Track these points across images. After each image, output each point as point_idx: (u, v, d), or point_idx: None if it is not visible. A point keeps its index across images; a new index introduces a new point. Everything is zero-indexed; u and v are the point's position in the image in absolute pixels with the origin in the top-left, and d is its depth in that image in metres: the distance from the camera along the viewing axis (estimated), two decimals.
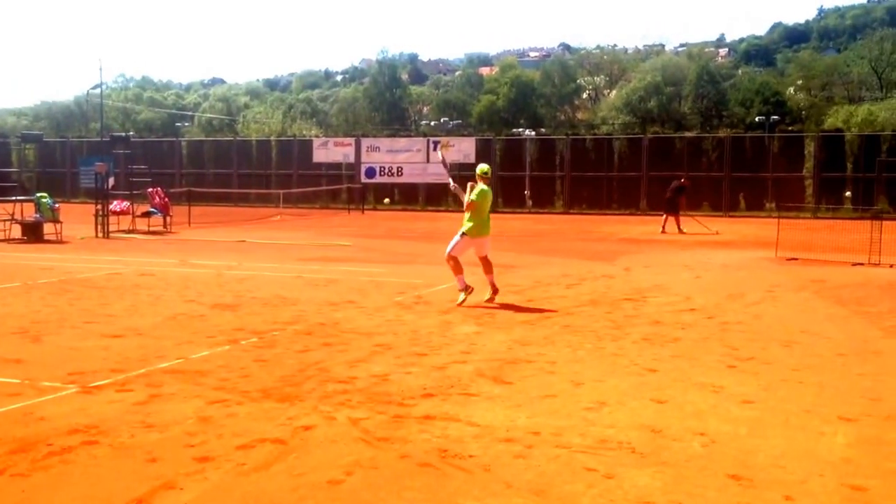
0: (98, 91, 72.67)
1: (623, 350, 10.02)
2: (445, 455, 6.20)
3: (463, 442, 6.49)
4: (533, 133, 53.75)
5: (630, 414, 7.35)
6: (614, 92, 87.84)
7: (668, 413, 7.42)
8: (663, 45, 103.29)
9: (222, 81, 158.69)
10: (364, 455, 6.20)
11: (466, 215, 13.66)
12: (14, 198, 27.57)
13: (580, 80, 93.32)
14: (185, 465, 5.97)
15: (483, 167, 14.04)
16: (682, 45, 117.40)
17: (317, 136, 57.55)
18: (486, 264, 13.66)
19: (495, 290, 13.47)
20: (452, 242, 13.66)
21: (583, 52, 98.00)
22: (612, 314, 12.55)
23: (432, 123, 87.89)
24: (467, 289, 13.18)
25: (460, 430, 6.78)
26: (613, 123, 68.71)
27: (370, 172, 48.15)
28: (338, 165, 49.53)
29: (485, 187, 13.61)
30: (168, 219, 29.67)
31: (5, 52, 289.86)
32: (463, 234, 13.58)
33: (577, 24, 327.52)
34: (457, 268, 13.33)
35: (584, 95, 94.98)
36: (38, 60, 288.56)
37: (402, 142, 49.84)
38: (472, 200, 13.49)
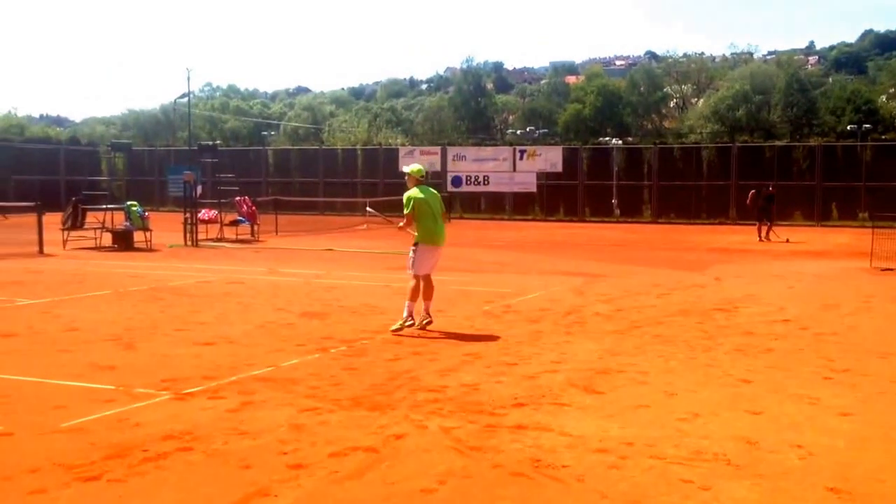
0: (185, 100, 74.00)
1: (716, 361, 9.81)
2: (538, 465, 6.11)
3: (556, 452, 6.39)
4: (620, 142, 53.17)
5: (725, 425, 7.18)
6: (702, 100, 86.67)
7: (764, 425, 7.23)
8: (752, 53, 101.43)
9: (307, 90, 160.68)
10: (456, 464, 6.13)
11: (417, 226, 11.84)
12: (104, 206, 28.13)
13: (667, 89, 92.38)
14: (279, 473, 5.96)
15: (413, 167, 12.37)
16: (770, 53, 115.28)
17: (402, 145, 57.75)
18: (428, 284, 11.76)
19: (428, 319, 11.58)
20: (410, 260, 11.87)
21: (669, 60, 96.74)
22: (704, 324, 12.30)
23: (518, 132, 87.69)
24: (410, 320, 11.41)
25: (553, 440, 6.68)
26: (701, 132, 67.73)
27: (457, 181, 48.13)
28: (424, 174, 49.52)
29: (416, 191, 11.88)
30: (255, 227, 29.98)
31: (95, 61, 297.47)
32: (415, 244, 11.79)
33: (664, 33, 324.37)
34: (414, 291, 11.59)
35: (671, 104, 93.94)
36: (126, 69, 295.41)
37: (488, 150, 49.76)
38: (407, 213, 11.78)
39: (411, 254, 11.78)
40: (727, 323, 12.45)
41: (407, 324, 11.33)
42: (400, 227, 12.06)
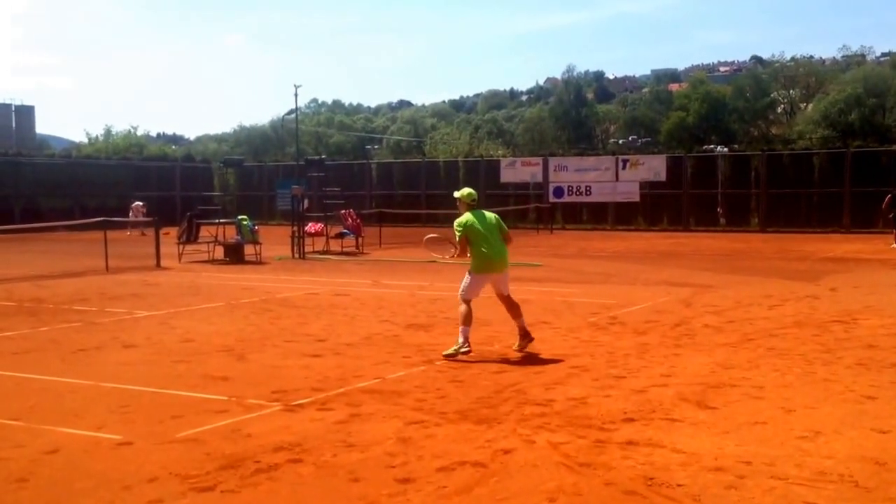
0: (293, 116, 75.42)
1: (836, 375, 9.48)
2: (652, 483, 5.97)
3: (669, 470, 6.24)
4: (725, 149, 52.03)
5: (849, 444, 6.90)
6: (811, 105, 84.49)
7: (893, 444, 6.93)
8: (864, 55, 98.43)
9: (409, 104, 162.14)
10: (566, 481, 6.04)
11: (471, 252, 11.04)
12: (217, 220, 28.78)
13: (774, 94, 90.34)
14: (388, 486, 5.97)
15: (464, 191, 11.39)
16: (884, 55, 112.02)
17: (504, 156, 57.71)
18: (510, 305, 11.23)
19: (526, 336, 11.07)
20: (463, 284, 11.11)
21: (776, 64, 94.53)
22: (821, 337, 11.91)
23: (620, 141, 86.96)
24: (466, 346, 10.55)
25: (666, 457, 6.53)
26: (811, 138, 65.76)
27: (558, 192, 47.87)
28: (525, 185, 49.46)
29: (469, 216, 11.05)
30: (360, 240, 30.26)
31: (208, 80, 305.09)
32: (469, 272, 11.11)
33: (770, 37, 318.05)
34: (467, 316, 10.75)
35: (779, 109, 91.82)
36: (237, 87, 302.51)
37: (589, 160, 49.34)
38: (460, 238, 11.01)
39: (466, 278, 11.05)
40: (846, 335, 12.02)
41: (462, 350, 10.47)
42: (452, 257, 11.47)
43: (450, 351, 10.54)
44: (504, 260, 11.12)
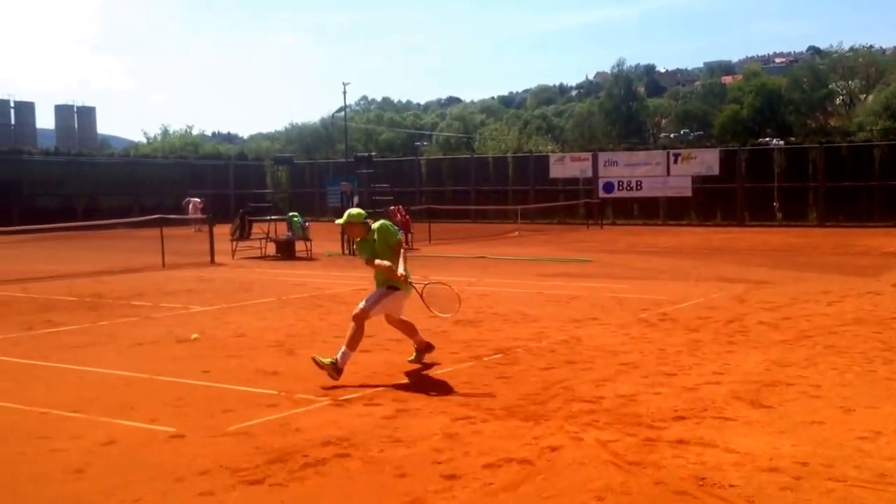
0: (342, 114, 75.76)
1: None
2: (703, 483, 5.88)
3: (722, 470, 6.15)
4: (781, 142, 51.28)
5: None
6: (871, 96, 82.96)
7: None
8: None
9: (458, 100, 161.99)
10: (615, 480, 5.99)
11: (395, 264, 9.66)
12: (269, 217, 29.05)
13: (832, 85, 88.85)
14: (434, 482, 5.97)
15: (352, 212, 9.89)
16: None
17: (553, 152, 57.47)
18: (404, 325, 10.13)
19: (424, 347, 10.10)
20: (373, 299, 9.71)
21: (834, 55, 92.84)
22: (882, 334, 11.64)
23: (672, 135, 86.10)
24: (339, 369, 9.05)
25: (718, 457, 6.44)
26: (871, 129, 64.56)
27: (608, 187, 47.59)
28: (575, 180, 49.27)
29: (385, 221, 9.99)
30: (409, 236, 30.33)
31: (261, 79, 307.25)
32: (391, 287, 9.80)
33: (827, 27, 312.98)
34: (358, 334, 9.36)
35: (837, 101, 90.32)
36: (289, 86, 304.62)
37: (640, 155, 48.99)
38: (398, 241, 9.88)
39: (380, 294, 9.67)
40: None
41: (338, 373, 9.00)
42: (402, 274, 9.70)
43: (324, 360, 9.06)
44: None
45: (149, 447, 6.90)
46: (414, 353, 10.16)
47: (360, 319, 9.42)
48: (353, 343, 9.28)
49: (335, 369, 9.02)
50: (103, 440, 7.04)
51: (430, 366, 9.95)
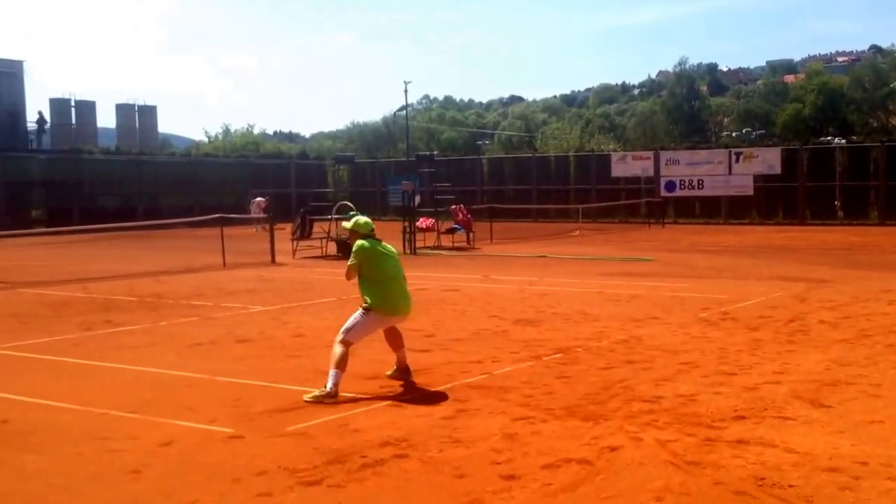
0: (404, 113, 76.04)
1: None
2: (763, 483, 5.84)
3: (781, 470, 6.09)
4: (843, 141, 50.53)
5: None
6: None
7: None
8: None
9: (521, 99, 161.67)
10: (674, 480, 5.95)
11: (367, 290, 9.06)
12: (330, 217, 29.18)
13: (893, 84, 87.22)
14: (492, 483, 5.97)
15: (359, 220, 9.47)
16: None
17: (615, 151, 57.14)
18: (397, 335, 9.47)
19: (407, 372, 9.37)
20: (351, 321, 8.94)
21: None
22: None
23: (734, 134, 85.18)
24: (334, 393, 8.39)
25: (777, 457, 6.38)
26: None
27: (670, 186, 47.21)
28: (637, 179, 48.96)
29: (363, 242, 9.20)
30: (471, 235, 30.36)
31: (323, 78, 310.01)
32: (366, 309, 8.95)
33: (890, 26, 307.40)
34: (345, 360, 8.63)
35: None
36: (351, 84, 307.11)
37: (702, 154, 48.50)
38: (351, 264, 9.18)
39: (357, 317, 8.94)
40: None
41: (326, 392, 8.39)
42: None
43: (313, 394, 8.47)
44: (409, 306, 9.35)
45: (206, 448, 6.95)
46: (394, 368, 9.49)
47: (342, 345, 8.78)
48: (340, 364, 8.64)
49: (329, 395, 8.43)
50: (161, 441, 7.10)
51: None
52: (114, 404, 8.33)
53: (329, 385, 8.41)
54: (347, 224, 9.52)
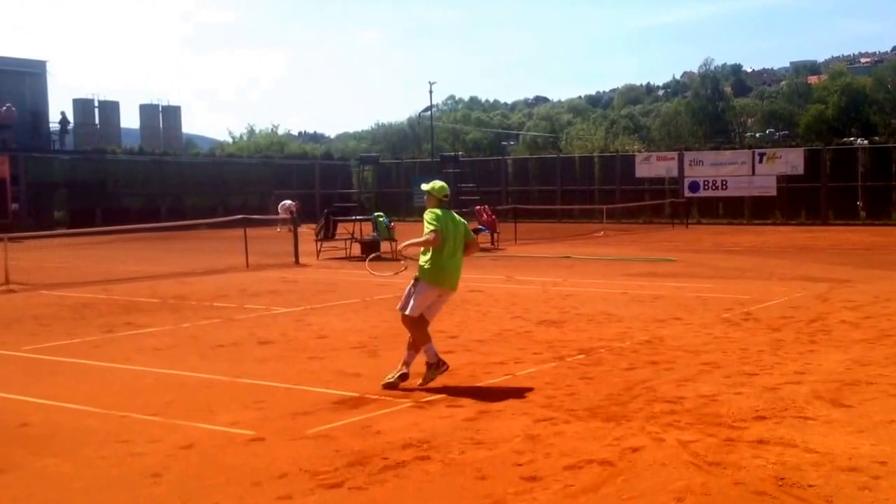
0: (429, 113, 76.11)
1: None
2: (783, 483, 5.84)
3: (801, 470, 6.10)
4: (866, 142, 50.31)
5: None
6: None
7: None
8: None
9: (546, 100, 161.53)
10: (695, 480, 5.96)
11: (421, 257, 9.33)
12: (353, 217, 29.26)
13: None
14: (514, 485, 5.98)
15: (437, 184, 9.48)
16: None
17: (639, 151, 56.99)
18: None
19: (404, 374, 9.06)
20: (405, 295, 9.27)
21: None
22: None
23: (757, 135, 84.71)
24: (440, 364, 9.02)
25: (797, 457, 6.38)
26: None
27: (694, 186, 47.09)
28: (661, 180, 48.85)
29: (438, 211, 9.23)
30: (495, 236, 30.36)
31: (349, 78, 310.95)
32: (418, 280, 9.23)
33: None
34: (424, 334, 9.11)
35: None
36: (376, 85, 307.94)
37: (726, 154, 48.35)
38: (434, 229, 9.00)
39: (409, 289, 9.24)
40: None
41: (442, 368, 9.04)
42: (406, 246, 9.81)
43: (388, 380, 8.94)
44: (457, 278, 9.44)
45: (227, 450, 6.96)
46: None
47: (405, 321, 9.20)
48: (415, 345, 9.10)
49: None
50: (182, 444, 7.10)
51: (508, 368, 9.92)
52: (135, 407, 8.36)
53: (430, 359, 8.98)
54: (426, 186, 9.55)
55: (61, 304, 16.35)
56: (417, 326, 9.06)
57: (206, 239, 36.07)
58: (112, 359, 10.92)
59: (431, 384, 8.93)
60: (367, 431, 7.35)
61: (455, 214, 9.49)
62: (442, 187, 9.41)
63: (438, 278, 9.15)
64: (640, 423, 7.38)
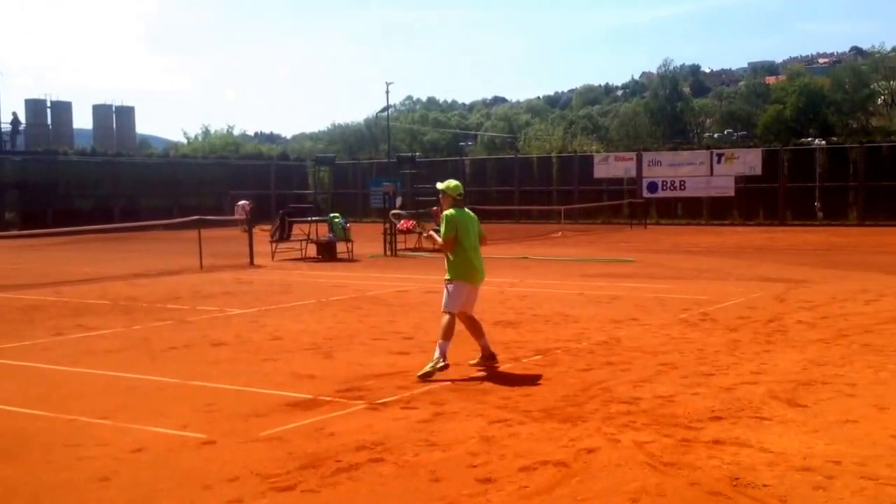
0: (386, 114, 75.95)
1: None
2: (738, 484, 5.82)
3: (756, 470, 6.08)
4: (823, 142, 50.90)
5: None
6: None
7: None
8: None
9: (504, 100, 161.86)
10: (650, 481, 5.92)
11: (448, 257, 9.93)
12: (309, 218, 29.07)
13: (874, 86, 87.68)
14: (468, 487, 5.91)
15: (452, 183, 10.13)
16: None
17: (597, 152, 57.18)
18: (473, 324, 10.08)
19: (489, 356, 9.96)
20: (445, 296, 9.87)
21: (876, 55, 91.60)
22: None
23: (716, 136, 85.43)
24: (442, 361, 9.35)
25: (752, 457, 6.37)
26: None
27: (652, 187, 47.37)
28: (619, 180, 49.09)
29: (452, 212, 9.85)
30: None
31: (302, 80, 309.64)
32: (449, 281, 9.85)
33: (870, 27, 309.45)
34: (451, 331, 9.59)
35: (879, 101, 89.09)
36: (334, 85, 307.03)
37: (684, 155, 48.67)
38: (449, 236, 9.77)
39: (446, 291, 9.82)
40: None
41: (439, 366, 9.32)
42: (427, 236, 10.42)
43: (425, 370, 9.31)
44: (483, 271, 10.14)
45: (178, 454, 6.84)
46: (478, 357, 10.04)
47: (447, 315, 9.74)
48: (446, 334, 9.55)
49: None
50: (131, 447, 6.98)
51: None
52: (84, 410, 8.21)
53: (436, 355, 9.35)
54: (441, 185, 10.06)
55: (10, 306, 16.07)
56: (451, 323, 9.58)
57: (160, 240, 35.67)
58: (61, 361, 10.73)
59: (419, 386, 8.95)
60: (320, 434, 7.25)
61: (468, 211, 10.08)
62: (457, 186, 10.04)
63: (468, 275, 9.82)
64: (596, 424, 7.34)
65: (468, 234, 9.81)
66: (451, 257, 9.79)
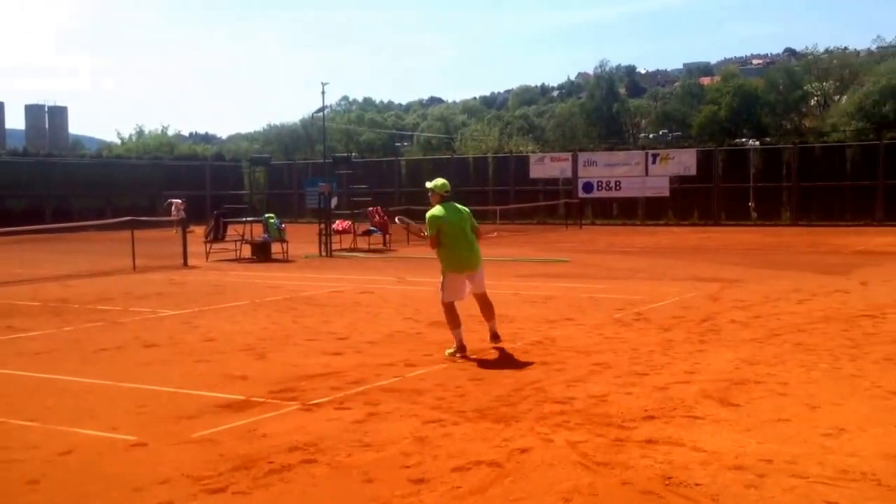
0: (322, 114, 75.54)
1: (863, 371, 9.30)
2: (670, 483, 5.85)
3: (688, 469, 6.11)
4: (757, 143, 51.75)
5: (874, 441, 6.73)
6: (845, 97, 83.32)
7: None
8: None
9: (440, 101, 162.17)
10: (583, 481, 5.93)
11: (440, 248, 10.79)
12: (244, 219, 28.81)
13: (807, 87, 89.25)
14: (401, 487, 5.88)
15: (438, 182, 11.16)
16: None
17: (533, 152, 57.50)
18: (485, 304, 11.10)
19: (493, 335, 10.99)
20: (440, 286, 10.91)
21: (810, 57, 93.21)
22: (849, 332, 11.70)
23: (651, 136, 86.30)
24: (461, 349, 10.42)
25: (685, 456, 6.40)
26: (845, 130, 64.89)
27: (588, 187, 47.75)
28: (555, 181, 49.40)
29: (440, 209, 10.86)
30: (387, 237, 30.25)
31: (237, 80, 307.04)
32: (443, 272, 10.82)
33: (804, 29, 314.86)
34: (453, 319, 10.59)
35: (812, 102, 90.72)
36: (269, 86, 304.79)
37: (619, 155, 49.15)
38: (431, 234, 10.76)
39: (441, 282, 10.83)
40: (875, 330, 11.81)
41: (457, 354, 10.34)
42: (423, 236, 11.05)
43: (450, 351, 10.48)
44: (478, 256, 10.89)
45: (108, 456, 6.72)
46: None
47: (443, 306, 10.68)
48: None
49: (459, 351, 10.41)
50: (61, 450, 6.84)
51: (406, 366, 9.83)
52: (12, 412, 8.04)
53: (455, 345, 10.41)
54: (430, 184, 11.09)
55: None
56: (450, 311, 10.54)
57: (92, 241, 35.18)
58: None
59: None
60: (252, 435, 7.17)
61: (457, 205, 10.98)
62: (444, 184, 11.04)
63: (456, 264, 10.68)
64: (530, 424, 7.34)
65: (454, 227, 10.66)
66: (440, 251, 10.69)
